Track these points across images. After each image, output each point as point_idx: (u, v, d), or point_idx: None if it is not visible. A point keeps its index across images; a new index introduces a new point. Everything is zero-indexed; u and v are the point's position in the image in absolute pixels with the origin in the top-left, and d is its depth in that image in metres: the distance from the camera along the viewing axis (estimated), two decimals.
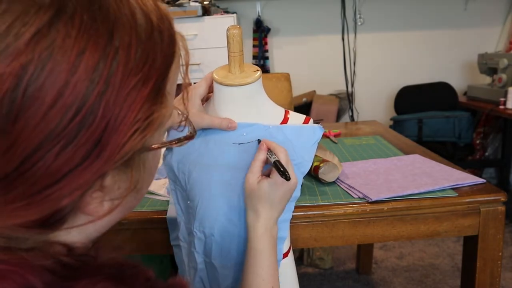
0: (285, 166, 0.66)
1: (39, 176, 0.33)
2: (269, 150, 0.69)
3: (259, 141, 0.73)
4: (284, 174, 0.64)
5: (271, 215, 0.68)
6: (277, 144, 0.70)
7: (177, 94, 0.46)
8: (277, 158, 0.67)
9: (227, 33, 0.75)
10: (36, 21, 0.31)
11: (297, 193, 0.76)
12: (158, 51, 0.37)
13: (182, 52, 0.43)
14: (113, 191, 0.39)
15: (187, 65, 0.44)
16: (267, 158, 0.70)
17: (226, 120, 0.75)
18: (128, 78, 0.34)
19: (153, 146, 0.40)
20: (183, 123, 0.46)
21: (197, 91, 0.78)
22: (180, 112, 0.47)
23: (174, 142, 0.44)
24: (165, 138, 0.44)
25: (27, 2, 0.31)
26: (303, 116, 0.80)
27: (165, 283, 0.43)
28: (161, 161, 0.87)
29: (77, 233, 0.40)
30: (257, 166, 0.69)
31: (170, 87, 0.40)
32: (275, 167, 0.66)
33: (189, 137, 0.46)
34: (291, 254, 0.81)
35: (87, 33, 0.32)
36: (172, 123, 0.44)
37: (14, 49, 0.30)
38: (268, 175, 0.69)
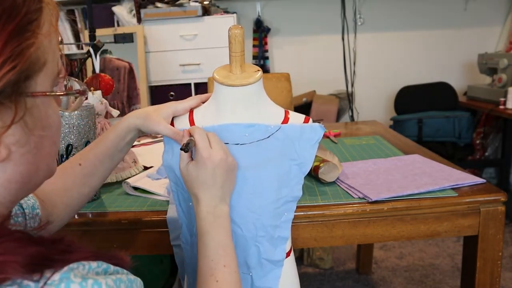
0: (200, 142, 0.67)
1: None
2: (190, 135, 0.70)
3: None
4: (185, 146, 0.65)
5: (211, 195, 0.67)
6: (196, 127, 0.71)
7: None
8: (191, 138, 0.68)
9: (228, 33, 0.75)
10: None
11: (299, 193, 0.76)
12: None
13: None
14: (8, 136, 0.41)
15: (56, 19, 0.49)
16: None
17: (172, 130, 0.75)
18: None
19: (35, 91, 0.43)
20: (61, 78, 0.49)
21: (174, 107, 0.80)
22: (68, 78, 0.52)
23: (61, 93, 0.48)
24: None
25: None
26: (303, 116, 0.80)
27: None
28: (161, 161, 0.87)
29: None
30: (183, 153, 0.69)
31: (45, 31, 0.44)
32: (183, 145, 0.66)
33: (82, 92, 0.50)
34: (292, 254, 0.81)
35: None
36: (54, 76, 0.46)
37: None
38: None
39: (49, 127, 0.46)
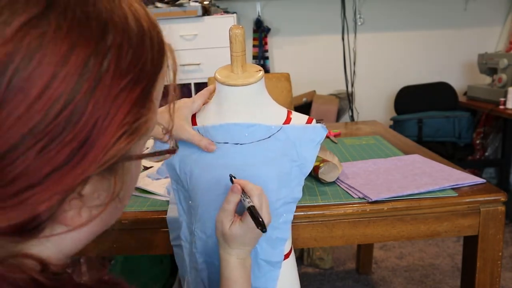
0: (259, 210, 0.64)
1: (18, 176, 0.30)
2: (243, 191, 0.66)
3: (231, 178, 0.69)
4: (260, 224, 0.62)
5: (244, 251, 0.68)
6: (252, 184, 0.66)
7: (165, 103, 0.45)
8: (251, 203, 0.64)
9: (229, 33, 0.75)
10: (27, 10, 0.30)
11: (299, 194, 0.76)
12: (148, 56, 0.37)
13: (170, 62, 0.43)
14: (93, 199, 0.36)
15: (174, 74, 0.44)
16: (240, 200, 0.67)
17: (205, 140, 0.74)
18: (119, 78, 0.33)
19: (136, 154, 0.39)
20: (166, 134, 0.45)
21: (190, 106, 0.77)
22: (164, 125, 0.46)
23: (156, 154, 0.42)
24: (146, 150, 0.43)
25: None
26: (306, 117, 0.79)
27: None
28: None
29: (52, 245, 0.37)
30: (231, 208, 0.66)
31: (157, 94, 0.40)
32: (250, 214, 0.64)
33: (171, 151, 0.44)
34: (292, 255, 0.80)
35: (79, 28, 0.31)
36: (155, 133, 0.43)
37: (1, 36, 0.29)
38: (241, 213, 0.67)
39: (131, 184, 0.42)
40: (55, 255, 0.38)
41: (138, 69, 0.35)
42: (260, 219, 0.62)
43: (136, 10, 0.37)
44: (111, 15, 0.34)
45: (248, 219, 0.64)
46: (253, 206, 0.64)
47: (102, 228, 0.42)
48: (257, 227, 0.62)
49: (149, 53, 0.37)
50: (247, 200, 0.65)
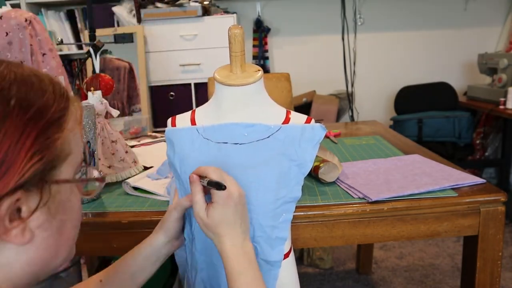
0: (218, 180, 0.64)
1: None
2: (200, 176, 0.67)
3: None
4: (219, 186, 0.62)
5: (235, 233, 0.66)
6: (204, 167, 0.68)
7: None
8: (208, 179, 0.65)
9: (228, 33, 0.75)
10: None
11: (298, 193, 0.76)
12: (50, 97, 0.46)
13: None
14: (32, 220, 0.44)
15: (81, 115, 0.51)
16: (203, 186, 0.67)
17: (193, 190, 0.73)
18: (24, 112, 0.43)
19: (63, 179, 0.47)
20: (83, 168, 0.53)
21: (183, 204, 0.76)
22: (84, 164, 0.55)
23: (84, 180, 0.54)
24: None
25: None
26: (305, 116, 0.79)
27: None
28: (161, 160, 0.87)
29: (1, 272, 0.44)
30: (199, 198, 0.67)
31: (71, 126, 0.48)
32: (210, 186, 0.64)
33: (100, 179, 0.57)
34: (292, 255, 0.80)
35: None
36: (77, 165, 0.50)
37: None
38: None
39: (70, 212, 0.49)
40: (5, 283, 0.45)
41: (40, 104, 0.44)
42: (216, 182, 0.63)
43: (40, 75, 0.48)
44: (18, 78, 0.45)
45: (215, 195, 0.65)
46: (209, 180, 0.65)
47: (49, 252, 0.48)
48: (218, 190, 0.63)
49: (51, 96, 0.46)
50: (205, 179, 0.66)
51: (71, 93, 0.50)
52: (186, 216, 0.81)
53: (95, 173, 0.58)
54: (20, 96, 0.44)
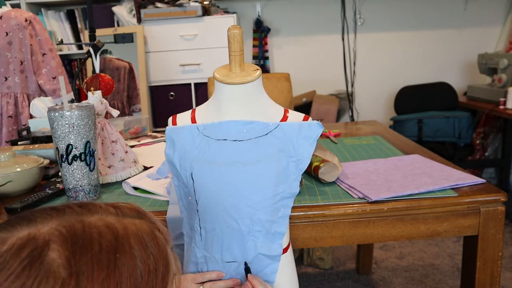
0: None
1: None
2: None
3: (246, 270, 0.76)
4: None
5: None
6: (264, 283, 0.73)
7: None
8: None
9: (227, 33, 0.77)
10: None
11: (296, 189, 0.77)
12: (159, 276, 0.45)
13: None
14: None
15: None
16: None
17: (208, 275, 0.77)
18: None
19: None
20: None
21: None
22: None
23: None
24: None
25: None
26: (302, 115, 0.81)
27: None
28: (161, 160, 0.87)
29: None
30: None
31: None
32: None
33: None
34: (290, 249, 0.82)
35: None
36: None
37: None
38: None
39: None
40: None
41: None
42: None
43: (145, 249, 0.45)
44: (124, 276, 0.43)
45: None
46: None
47: None
48: None
49: (154, 280, 0.44)
50: None
51: None
52: (185, 213, 0.82)
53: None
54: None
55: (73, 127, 0.97)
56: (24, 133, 1.48)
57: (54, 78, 2.11)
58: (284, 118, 0.80)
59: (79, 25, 2.92)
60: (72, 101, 1.85)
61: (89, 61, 2.65)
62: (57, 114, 0.96)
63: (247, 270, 0.76)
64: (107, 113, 1.21)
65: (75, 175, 1.01)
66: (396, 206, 0.94)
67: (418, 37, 3.15)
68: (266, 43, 3.10)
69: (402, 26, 3.13)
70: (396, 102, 3.00)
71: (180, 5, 2.67)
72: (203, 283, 0.78)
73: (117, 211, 0.48)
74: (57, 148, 0.99)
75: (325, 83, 3.15)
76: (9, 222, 0.43)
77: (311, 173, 1.09)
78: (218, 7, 2.85)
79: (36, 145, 1.33)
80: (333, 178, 1.06)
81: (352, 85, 3.19)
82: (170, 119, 0.83)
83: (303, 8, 3.09)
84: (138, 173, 1.20)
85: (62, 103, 1.02)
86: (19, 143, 1.41)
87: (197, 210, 0.77)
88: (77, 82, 2.87)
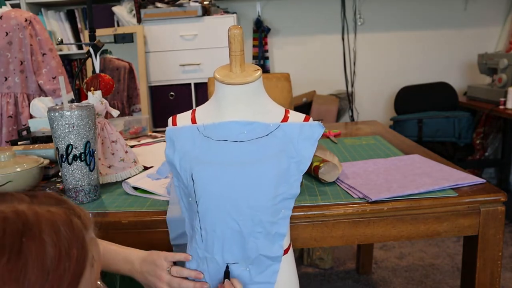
0: None
1: None
2: None
3: (226, 274, 0.77)
4: None
5: None
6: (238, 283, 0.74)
7: None
8: None
9: (228, 33, 0.77)
10: None
11: (297, 190, 0.77)
12: (66, 273, 0.46)
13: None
14: None
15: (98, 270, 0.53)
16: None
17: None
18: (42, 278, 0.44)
19: None
20: None
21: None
22: None
23: None
24: None
25: None
26: (303, 115, 0.81)
27: None
28: (161, 160, 0.87)
29: None
30: None
31: (86, 280, 0.49)
32: None
33: None
34: (291, 250, 0.82)
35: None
36: None
37: None
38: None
39: None
40: None
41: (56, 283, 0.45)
42: None
43: (57, 233, 0.47)
44: (29, 254, 0.44)
45: None
46: None
47: None
48: None
49: (67, 270, 0.46)
50: None
51: None
52: (186, 214, 0.82)
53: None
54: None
55: (73, 127, 0.97)
56: (24, 133, 1.48)
57: (54, 78, 2.11)
58: (285, 119, 0.80)
59: (79, 25, 2.92)
60: (72, 101, 1.85)
61: (89, 61, 2.65)
62: (57, 114, 0.96)
63: (227, 274, 0.76)
64: (107, 113, 1.21)
65: (75, 175, 1.01)
66: (396, 206, 0.94)
67: (418, 37, 3.14)
68: (266, 43, 3.10)
69: (402, 26, 3.13)
70: (396, 102, 3.00)
71: (180, 5, 2.67)
72: (175, 263, 0.80)
73: (32, 200, 0.50)
74: (57, 148, 0.99)
75: (325, 83, 3.15)
76: None
77: (311, 173, 1.09)
78: (218, 7, 2.85)
79: (36, 145, 1.33)
80: (333, 178, 1.06)
81: (352, 85, 3.19)
82: (170, 120, 0.83)
83: (303, 8, 3.09)
84: (138, 173, 1.20)
85: (62, 103, 1.02)
86: (19, 143, 1.41)
87: (197, 211, 0.76)
88: (77, 82, 2.87)
